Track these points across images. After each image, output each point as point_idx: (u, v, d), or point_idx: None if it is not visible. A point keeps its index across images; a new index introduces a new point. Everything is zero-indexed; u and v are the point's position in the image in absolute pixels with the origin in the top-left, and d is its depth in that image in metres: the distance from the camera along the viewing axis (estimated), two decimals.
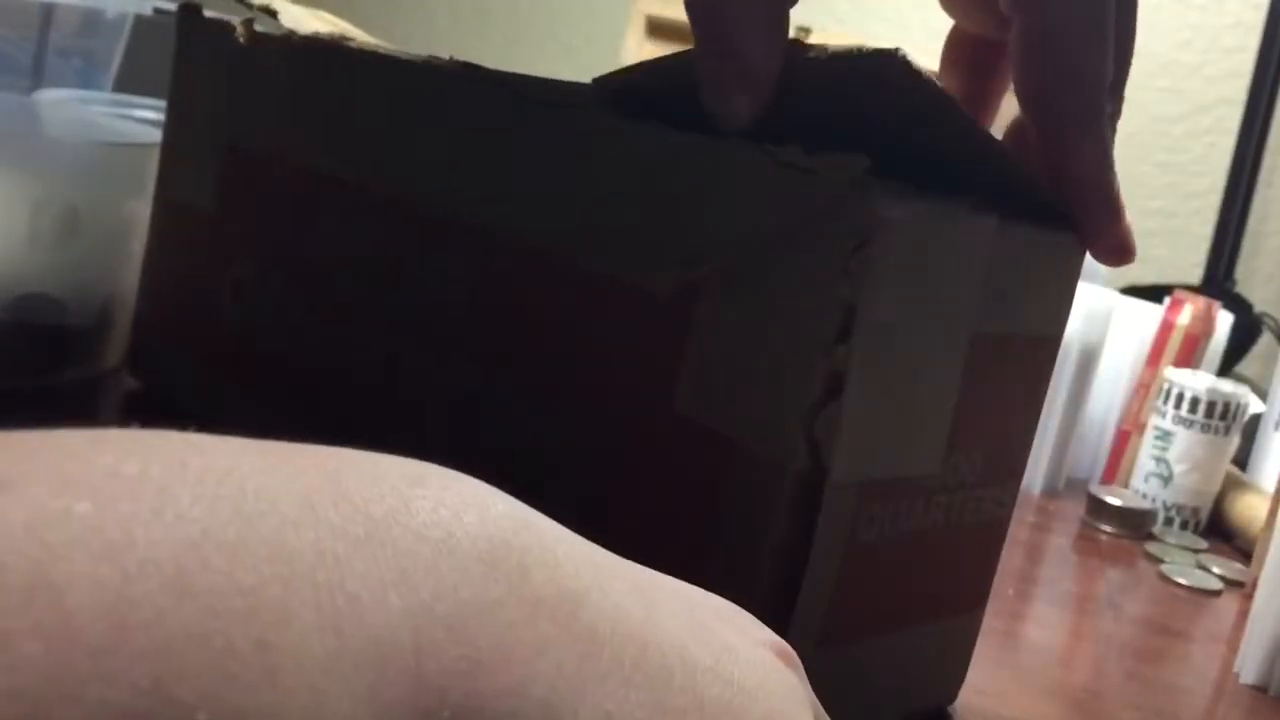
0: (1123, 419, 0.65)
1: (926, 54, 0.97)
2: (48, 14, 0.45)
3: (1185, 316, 0.64)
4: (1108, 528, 0.58)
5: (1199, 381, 0.59)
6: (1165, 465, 0.59)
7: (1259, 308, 1.19)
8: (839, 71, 0.26)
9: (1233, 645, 0.45)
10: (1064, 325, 0.32)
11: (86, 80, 0.54)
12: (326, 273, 0.38)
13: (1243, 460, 0.66)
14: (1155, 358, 0.64)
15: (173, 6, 0.44)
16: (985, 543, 0.33)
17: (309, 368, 0.39)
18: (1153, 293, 0.77)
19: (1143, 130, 1.37)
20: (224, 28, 0.42)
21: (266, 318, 0.40)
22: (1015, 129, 0.32)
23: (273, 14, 0.38)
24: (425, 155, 0.35)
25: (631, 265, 0.29)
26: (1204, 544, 0.58)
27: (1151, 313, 0.65)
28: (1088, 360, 0.62)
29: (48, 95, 0.54)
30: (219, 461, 0.15)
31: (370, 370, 0.36)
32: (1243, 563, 0.55)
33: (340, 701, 0.14)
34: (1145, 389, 0.64)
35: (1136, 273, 1.36)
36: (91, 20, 0.47)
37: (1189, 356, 0.63)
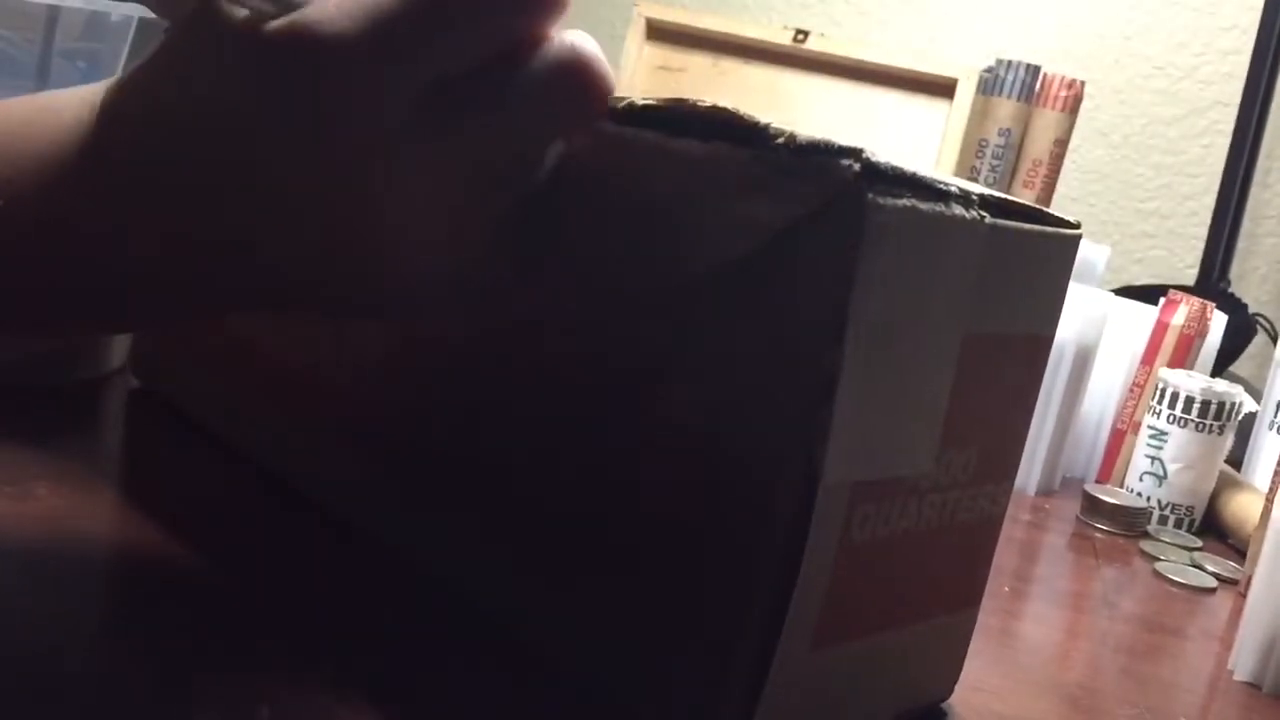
0: (1118, 418, 0.66)
1: (927, 59, 0.97)
2: (52, 17, 0.45)
3: (1180, 317, 0.64)
4: (1103, 526, 0.58)
5: (1193, 381, 0.59)
6: (1160, 464, 0.60)
7: (1253, 308, 1.19)
8: None
9: (1227, 642, 0.45)
10: (1056, 324, 0.33)
11: (91, 83, 0.54)
12: None
13: (1237, 460, 0.66)
14: (1150, 358, 0.64)
15: None
16: (979, 540, 0.33)
17: (308, 368, 0.39)
18: (1148, 293, 0.77)
19: (1138, 132, 1.37)
20: None
21: (265, 319, 0.40)
22: None
23: None
24: None
25: (624, 268, 0.30)
26: (1198, 542, 0.58)
27: (1146, 313, 0.66)
28: (1083, 360, 0.62)
29: None
30: None
31: (369, 372, 0.37)
32: (1237, 561, 0.56)
33: None
34: (1140, 389, 0.64)
35: (1132, 274, 1.36)
36: (96, 23, 0.47)
37: (1183, 357, 0.64)
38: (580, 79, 0.27)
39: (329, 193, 0.26)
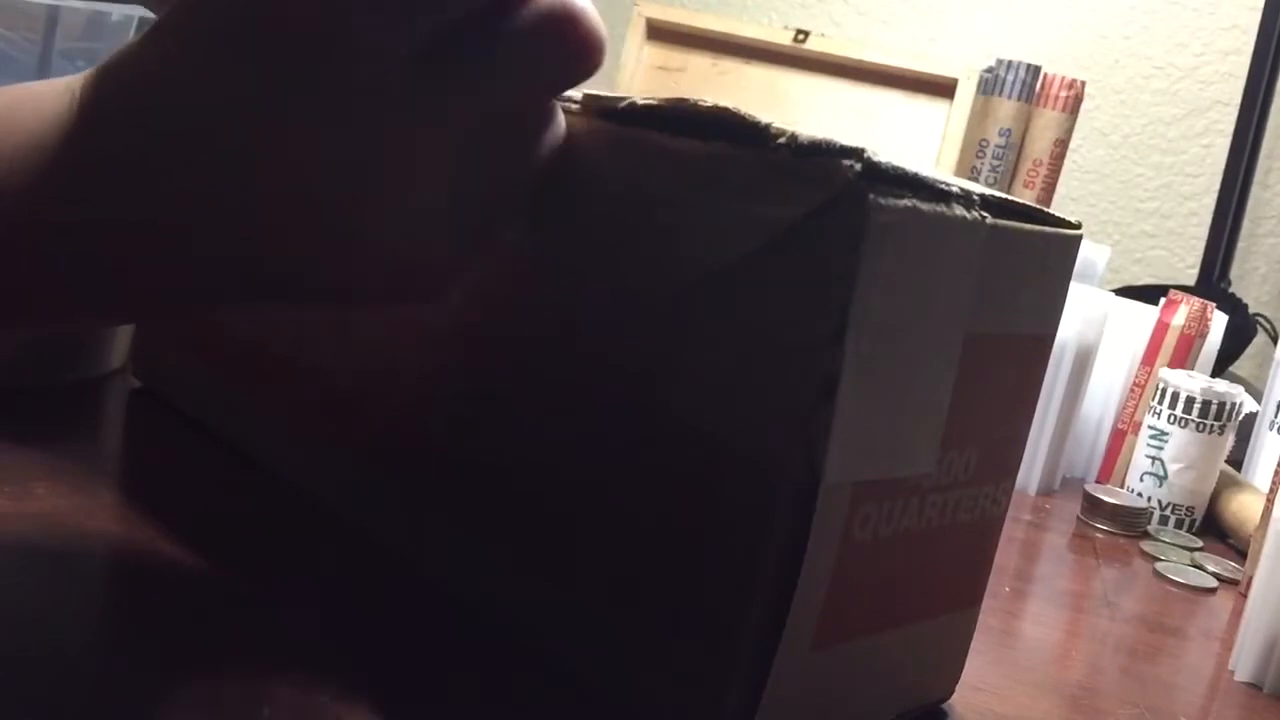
0: (1118, 419, 0.66)
1: (927, 59, 0.97)
2: (53, 17, 0.45)
3: (1180, 317, 0.64)
4: (1103, 526, 0.58)
5: (1194, 381, 0.59)
6: (1160, 464, 0.60)
7: (1254, 308, 1.19)
8: None
9: (1227, 643, 0.45)
10: (1057, 324, 0.33)
11: None
12: None
13: (1238, 460, 0.66)
14: (1150, 358, 0.64)
15: None
16: (980, 540, 0.33)
17: (308, 368, 0.39)
18: (1148, 293, 0.77)
19: (1139, 132, 1.37)
20: None
21: (266, 319, 0.40)
22: None
23: None
24: None
25: (624, 268, 0.30)
26: (1199, 542, 0.58)
27: (1147, 313, 0.66)
28: (1083, 361, 0.62)
29: None
30: None
31: (369, 371, 0.37)
32: (1237, 561, 0.56)
33: None
34: (1140, 389, 0.64)
35: (1132, 274, 1.36)
36: (96, 23, 0.47)
37: (1184, 357, 0.64)
38: (568, 30, 0.26)
39: (321, 163, 0.26)
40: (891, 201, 0.26)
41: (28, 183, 0.26)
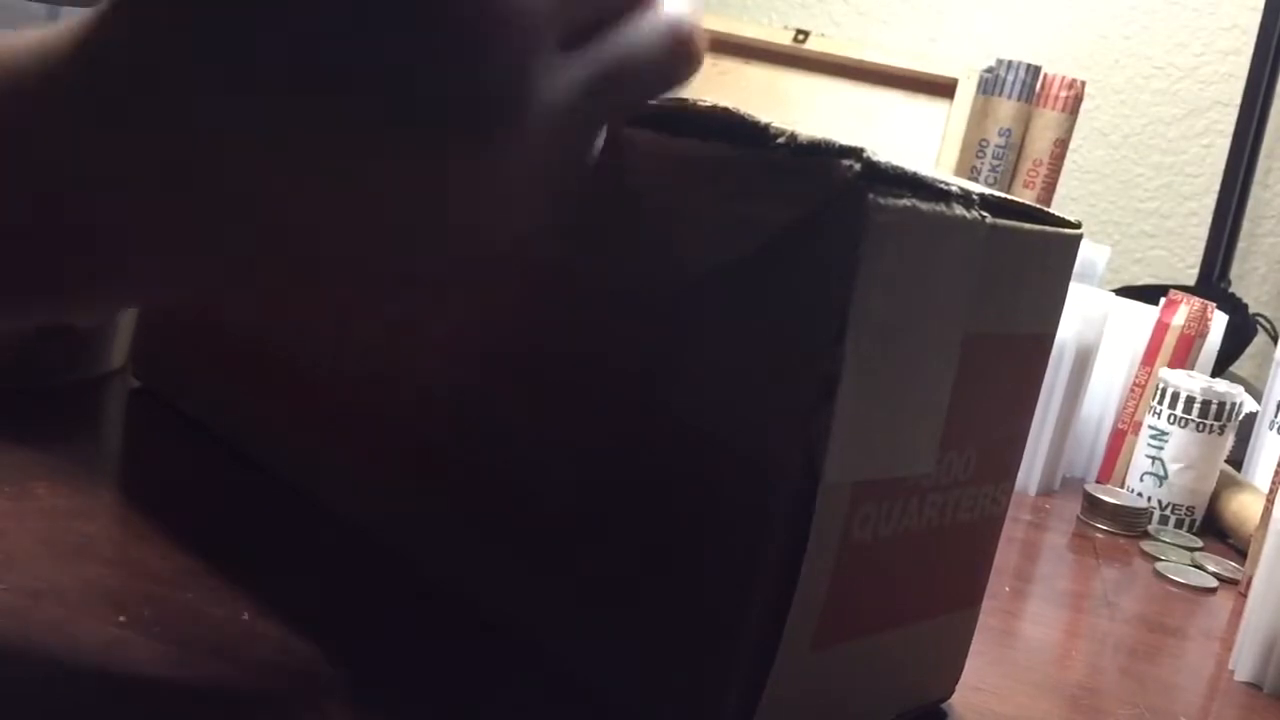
0: (1118, 419, 0.66)
1: (927, 59, 0.97)
2: (53, 17, 0.45)
3: (1180, 317, 0.64)
4: (1103, 526, 0.58)
5: (1194, 381, 0.59)
6: (1160, 464, 0.60)
7: (1253, 308, 1.19)
8: None
9: (1227, 643, 0.45)
10: (1057, 323, 0.33)
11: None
12: None
13: (1238, 460, 0.66)
14: (1150, 358, 0.64)
15: None
16: (980, 540, 0.33)
17: (308, 367, 0.39)
18: (1148, 293, 0.77)
19: (1139, 132, 1.37)
20: None
21: (266, 320, 0.40)
22: None
23: None
24: None
25: (625, 268, 0.30)
26: (1199, 542, 0.58)
27: (1147, 313, 0.66)
28: (1084, 361, 0.62)
29: None
30: None
31: (369, 371, 0.37)
32: (1237, 561, 0.56)
33: None
34: (1140, 389, 0.64)
35: (1132, 274, 1.36)
36: None
37: (1184, 357, 0.64)
38: (689, 45, 0.27)
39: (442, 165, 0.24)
40: (891, 201, 0.26)
41: (22, 123, 0.23)
